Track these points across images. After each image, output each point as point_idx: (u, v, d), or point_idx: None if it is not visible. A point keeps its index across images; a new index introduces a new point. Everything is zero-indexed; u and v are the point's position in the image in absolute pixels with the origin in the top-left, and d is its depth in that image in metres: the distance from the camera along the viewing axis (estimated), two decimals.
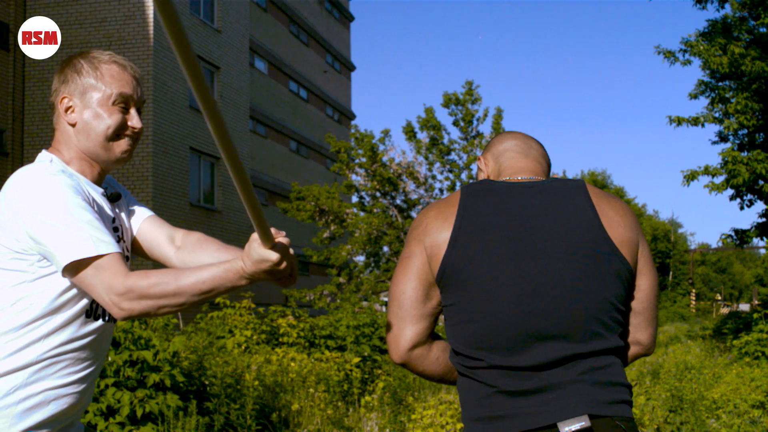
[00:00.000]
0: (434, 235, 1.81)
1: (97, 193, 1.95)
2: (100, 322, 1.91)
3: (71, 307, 1.83)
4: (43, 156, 1.95)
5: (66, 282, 1.81)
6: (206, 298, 1.75)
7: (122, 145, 1.96)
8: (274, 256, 1.65)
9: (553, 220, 1.79)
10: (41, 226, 1.74)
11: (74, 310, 1.83)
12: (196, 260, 1.99)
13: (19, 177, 1.83)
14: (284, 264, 1.66)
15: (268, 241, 1.64)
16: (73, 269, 1.75)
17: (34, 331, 1.79)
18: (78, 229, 1.74)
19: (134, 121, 1.97)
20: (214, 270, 1.73)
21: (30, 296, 1.79)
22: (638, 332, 1.90)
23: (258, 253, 1.65)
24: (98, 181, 1.99)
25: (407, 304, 1.82)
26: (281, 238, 1.66)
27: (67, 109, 1.94)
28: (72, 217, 1.75)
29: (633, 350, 1.92)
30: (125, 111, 1.96)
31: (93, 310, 1.88)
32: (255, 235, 1.66)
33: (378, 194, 22.78)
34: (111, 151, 1.95)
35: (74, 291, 1.83)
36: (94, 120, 1.92)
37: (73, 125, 1.94)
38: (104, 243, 1.75)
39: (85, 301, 1.85)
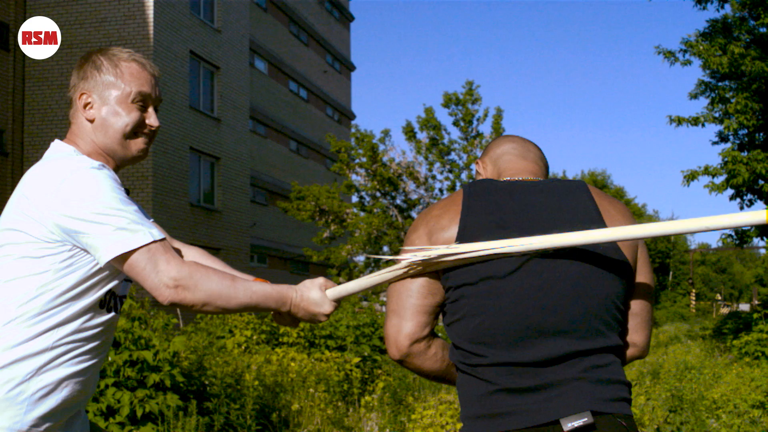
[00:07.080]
0: (439, 232, 1.82)
1: None
2: (112, 314, 1.93)
3: (88, 297, 1.85)
4: (63, 147, 1.95)
5: (87, 273, 1.83)
6: (247, 309, 1.85)
7: (139, 143, 1.98)
8: (330, 309, 1.92)
9: (556, 217, 1.80)
10: (91, 218, 1.76)
11: (90, 301, 1.85)
12: None
13: (57, 169, 1.82)
14: (325, 319, 1.91)
15: (337, 298, 1.91)
16: (123, 257, 1.77)
17: (50, 319, 1.81)
18: (129, 218, 1.77)
19: (152, 119, 1.99)
20: (266, 287, 1.86)
21: (51, 284, 1.81)
22: (634, 334, 1.90)
23: (321, 297, 1.89)
24: None
25: (409, 299, 1.82)
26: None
27: (85, 105, 1.96)
28: (123, 208, 1.78)
29: (629, 352, 1.92)
30: (143, 109, 1.98)
31: (107, 302, 1.91)
32: (322, 280, 1.91)
33: (378, 194, 22.80)
34: (128, 148, 1.97)
35: (93, 281, 1.85)
36: (113, 117, 1.94)
37: (91, 121, 1.95)
38: (155, 230, 1.81)
39: (101, 293, 1.87)
